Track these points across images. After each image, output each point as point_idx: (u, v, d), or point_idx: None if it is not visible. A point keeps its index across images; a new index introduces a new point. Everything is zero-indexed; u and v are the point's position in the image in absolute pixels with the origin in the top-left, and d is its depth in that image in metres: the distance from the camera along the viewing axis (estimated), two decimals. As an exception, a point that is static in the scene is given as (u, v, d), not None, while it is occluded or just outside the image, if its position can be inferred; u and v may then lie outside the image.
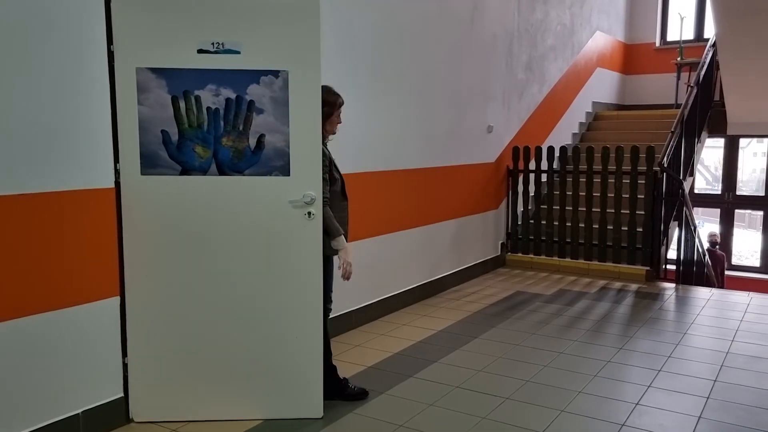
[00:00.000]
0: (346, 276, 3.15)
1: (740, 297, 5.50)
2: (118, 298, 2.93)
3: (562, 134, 7.91)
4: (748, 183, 11.51)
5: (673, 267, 6.25)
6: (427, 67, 5.11)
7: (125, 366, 2.98)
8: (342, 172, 3.25)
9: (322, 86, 3.20)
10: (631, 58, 10.08)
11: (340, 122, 3.25)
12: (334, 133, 3.27)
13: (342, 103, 3.22)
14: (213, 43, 2.81)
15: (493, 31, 6.11)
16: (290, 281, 2.98)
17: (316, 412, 3.05)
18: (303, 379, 3.03)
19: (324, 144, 3.17)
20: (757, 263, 10.18)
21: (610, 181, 6.17)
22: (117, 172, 2.88)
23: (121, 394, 2.98)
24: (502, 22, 6.26)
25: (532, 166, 6.58)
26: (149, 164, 2.87)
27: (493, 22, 6.09)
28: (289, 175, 2.92)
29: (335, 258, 3.21)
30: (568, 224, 6.36)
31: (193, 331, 2.97)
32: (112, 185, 2.88)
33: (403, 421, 3.05)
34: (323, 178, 3.06)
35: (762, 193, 10.27)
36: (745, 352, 4.03)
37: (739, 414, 3.14)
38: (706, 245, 8.10)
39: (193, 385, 3.01)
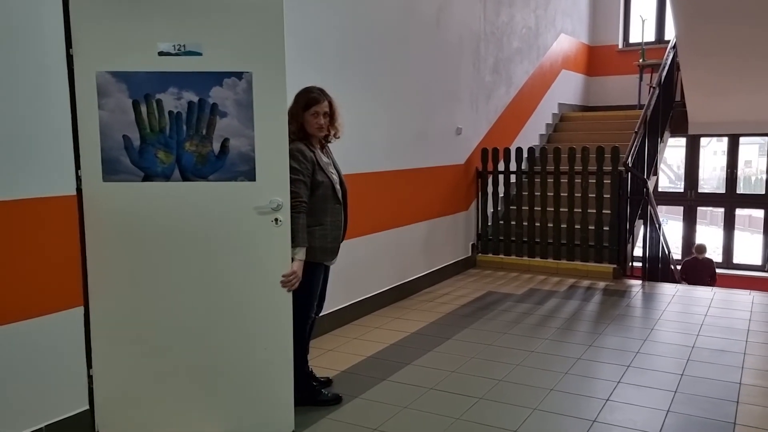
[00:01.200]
0: (287, 286, 2.87)
1: (704, 292, 5.62)
2: (82, 308, 2.86)
3: (530, 135, 7.99)
4: (709, 181, 11.76)
5: (639, 264, 6.35)
6: (394, 68, 5.11)
7: (90, 378, 2.90)
8: None
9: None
10: (595, 60, 10.25)
11: (320, 123, 3.05)
12: (323, 135, 3.10)
13: (314, 101, 3.03)
14: (174, 45, 2.73)
15: (460, 34, 6.14)
16: (258, 291, 2.89)
17: (287, 426, 2.96)
18: (273, 392, 2.94)
19: (308, 146, 3.04)
20: (719, 259, 10.41)
21: (576, 181, 6.25)
22: (78, 179, 2.80)
23: (87, 407, 2.90)
24: (468, 25, 6.30)
25: (501, 167, 6.63)
26: (111, 170, 2.79)
27: (459, 24, 6.12)
28: (255, 180, 2.83)
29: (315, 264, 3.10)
30: (537, 224, 6.42)
31: (159, 342, 2.90)
32: (74, 192, 2.80)
33: (377, 424, 3.04)
34: (303, 182, 2.96)
35: (722, 191, 10.51)
36: (710, 345, 4.11)
37: (706, 407, 3.20)
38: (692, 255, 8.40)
39: (160, 396, 2.93)
